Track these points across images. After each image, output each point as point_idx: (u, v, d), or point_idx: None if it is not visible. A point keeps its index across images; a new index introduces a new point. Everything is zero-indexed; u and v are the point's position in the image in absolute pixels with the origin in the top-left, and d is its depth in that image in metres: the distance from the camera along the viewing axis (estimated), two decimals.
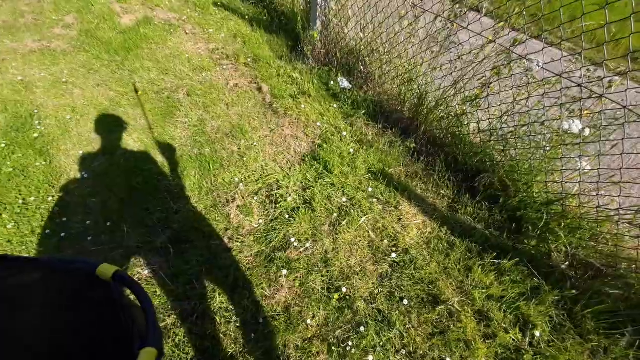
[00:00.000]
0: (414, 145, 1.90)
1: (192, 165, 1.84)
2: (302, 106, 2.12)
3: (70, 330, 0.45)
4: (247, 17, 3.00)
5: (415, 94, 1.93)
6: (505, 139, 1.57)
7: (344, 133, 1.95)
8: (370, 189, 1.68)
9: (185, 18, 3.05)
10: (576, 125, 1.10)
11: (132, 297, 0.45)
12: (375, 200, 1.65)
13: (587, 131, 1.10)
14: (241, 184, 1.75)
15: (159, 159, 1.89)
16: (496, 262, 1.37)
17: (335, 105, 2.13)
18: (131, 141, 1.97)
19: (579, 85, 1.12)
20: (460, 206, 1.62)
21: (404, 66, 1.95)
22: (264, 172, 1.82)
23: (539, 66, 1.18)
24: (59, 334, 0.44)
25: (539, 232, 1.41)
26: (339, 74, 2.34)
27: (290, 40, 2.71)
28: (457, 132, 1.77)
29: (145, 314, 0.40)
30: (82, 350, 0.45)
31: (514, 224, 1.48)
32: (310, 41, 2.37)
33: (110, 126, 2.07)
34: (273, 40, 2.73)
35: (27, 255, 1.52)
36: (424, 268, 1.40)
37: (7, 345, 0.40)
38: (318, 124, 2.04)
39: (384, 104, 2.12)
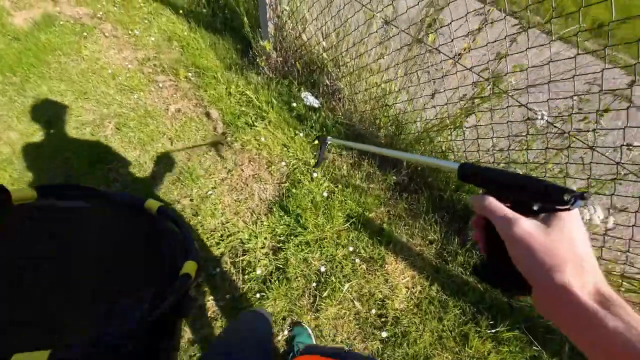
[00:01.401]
0: (394, 178, 1.68)
1: None
2: (262, 138, 1.78)
3: (122, 252, 0.54)
4: (181, 10, 2.44)
5: (391, 121, 1.67)
6: None
7: (315, 172, 1.67)
8: (351, 248, 1.47)
9: (102, 14, 2.42)
10: (597, 216, 0.93)
11: None
12: (357, 259, 1.45)
13: (611, 222, 0.93)
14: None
15: None
16: (493, 331, 1.26)
17: (301, 134, 1.81)
18: None
19: (590, 148, 0.93)
20: (449, 256, 1.47)
21: (376, 84, 1.66)
22: (225, 231, 1.53)
23: (543, 119, 0.97)
24: (114, 256, 0.53)
25: None
26: (302, 88, 1.99)
27: (239, 43, 2.25)
28: None
29: (185, 239, 0.49)
30: (131, 270, 0.53)
31: None
32: (262, 51, 1.96)
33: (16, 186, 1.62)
34: (218, 44, 2.25)
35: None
36: (418, 341, 1.26)
37: (69, 262, 0.50)
38: (284, 162, 1.73)
39: (356, 126, 1.84)
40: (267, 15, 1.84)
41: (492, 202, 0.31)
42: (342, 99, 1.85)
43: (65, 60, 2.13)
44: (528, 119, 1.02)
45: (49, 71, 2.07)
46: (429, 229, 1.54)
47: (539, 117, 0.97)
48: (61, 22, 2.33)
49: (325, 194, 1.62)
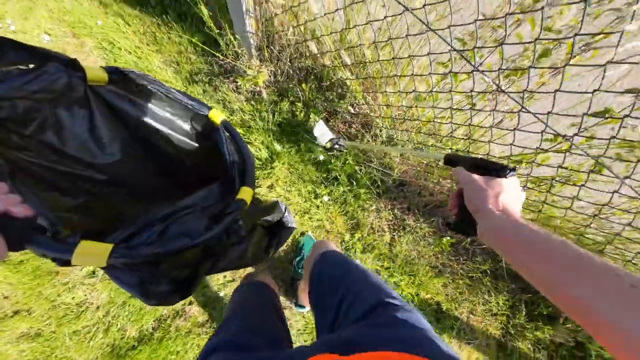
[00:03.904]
0: (449, 239, 1.35)
1: None
2: None
3: (185, 155, 0.59)
4: None
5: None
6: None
7: (369, 260, 1.29)
8: None
9: None
10: None
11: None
12: None
13: None
14: None
15: None
16: None
17: (326, 197, 1.32)
18: None
19: None
20: (514, 330, 1.32)
21: (432, 120, 1.12)
22: None
23: None
24: (177, 159, 0.59)
25: None
26: (312, 112, 1.36)
27: (195, 30, 1.41)
28: None
29: (244, 160, 0.50)
30: (194, 174, 0.58)
31: None
32: (240, 69, 1.22)
33: None
34: (160, 29, 1.40)
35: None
36: None
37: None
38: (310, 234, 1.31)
39: (404, 183, 1.36)
40: (243, 7, 1.05)
41: (464, 170, 0.48)
42: (378, 135, 1.30)
43: None
44: None
45: None
46: (492, 301, 1.34)
47: None
48: None
49: None
